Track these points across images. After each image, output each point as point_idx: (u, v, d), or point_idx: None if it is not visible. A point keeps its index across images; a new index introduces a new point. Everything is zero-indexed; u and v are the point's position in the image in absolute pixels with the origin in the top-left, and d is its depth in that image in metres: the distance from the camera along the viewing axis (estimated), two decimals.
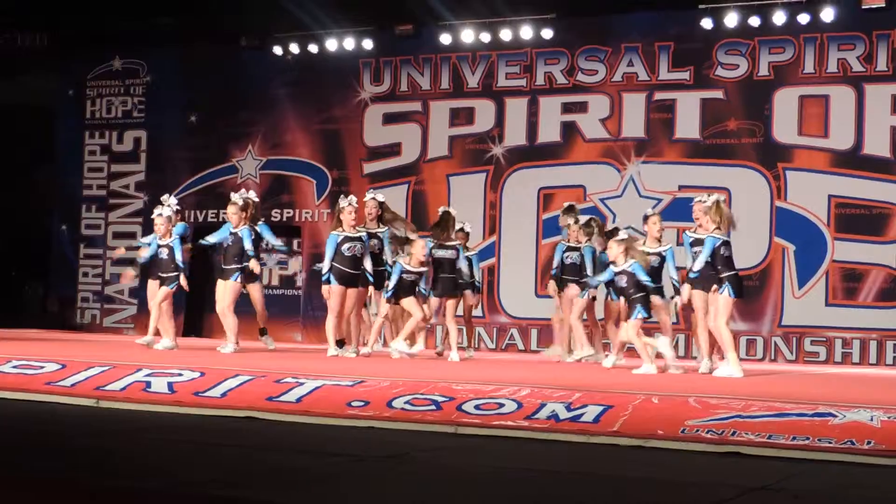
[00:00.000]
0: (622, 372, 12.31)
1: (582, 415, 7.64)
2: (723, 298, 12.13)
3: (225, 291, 14.05)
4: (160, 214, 14.35)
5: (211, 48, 20.48)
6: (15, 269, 21.78)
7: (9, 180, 21.71)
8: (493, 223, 18.13)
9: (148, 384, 8.85)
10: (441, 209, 14.64)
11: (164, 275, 14.33)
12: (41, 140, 21.57)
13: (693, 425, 7.29)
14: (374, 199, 14.03)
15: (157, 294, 14.32)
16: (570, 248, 14.39)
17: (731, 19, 17.35)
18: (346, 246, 13.55)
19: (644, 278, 12.29)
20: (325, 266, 13.62)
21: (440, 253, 13.96)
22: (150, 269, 14.83)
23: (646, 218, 13.59)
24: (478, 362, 13.63)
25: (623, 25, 18.32)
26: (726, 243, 12.43)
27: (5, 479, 5.31)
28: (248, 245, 13.82)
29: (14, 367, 9.56)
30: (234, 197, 14.24)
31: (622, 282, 12.42)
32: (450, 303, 14.01)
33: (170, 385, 8.79)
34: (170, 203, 14.45)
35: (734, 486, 5.93)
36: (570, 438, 7.39)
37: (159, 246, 14.36)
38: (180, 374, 9.02)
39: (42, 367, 9.47)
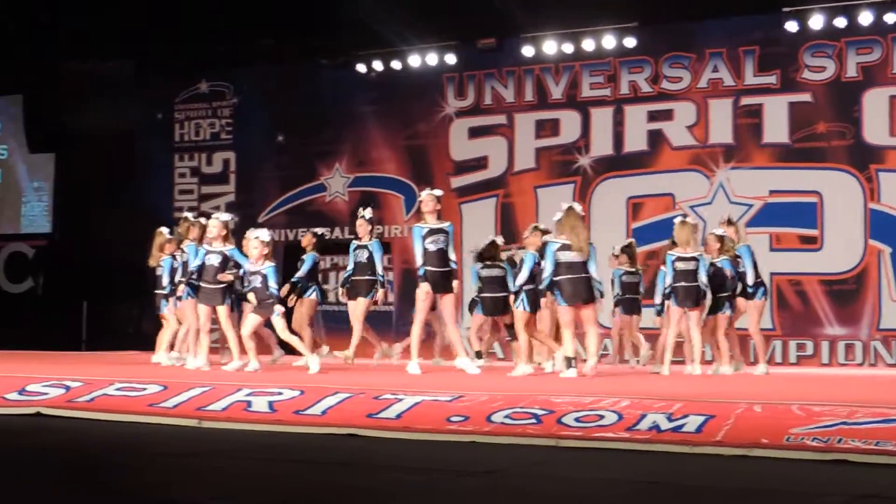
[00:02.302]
0: (723, 381, 12.21)
1: (683, 425, 7.57)
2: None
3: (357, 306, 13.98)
4: (216, 218, 13.65)
5: (295, 68, 20.69)
6: (113, 291, 22.07)
7: (102, 205, 22.04)
8: None
9: (249, 403, 8.91)
10: (629, 240, 15.19)
11: (209, 286, 13.40)
12: (132, 165, 21.88)
13: (798, 433, 7.20)
14: (431, 193, 13.59)
15: (221, 316, 13.48)
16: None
17: (817, 21, 17.18)
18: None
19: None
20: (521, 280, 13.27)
21: (626, 279, 15.07)
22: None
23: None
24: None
25: (707, 31, 18.22)
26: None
27: (109, 501, 5.37)
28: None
29: (117, 389, 9.69)
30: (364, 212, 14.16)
31: None
32: (634, 318, 15.20)
33: (270, 404, 8.85)
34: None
35: (842, 494, 5.85)
36: (671, 449, 7.32)
37: (208, 252, 13.45)
38: (280, 393, 9.08)
39: (144, 389, 9.59)
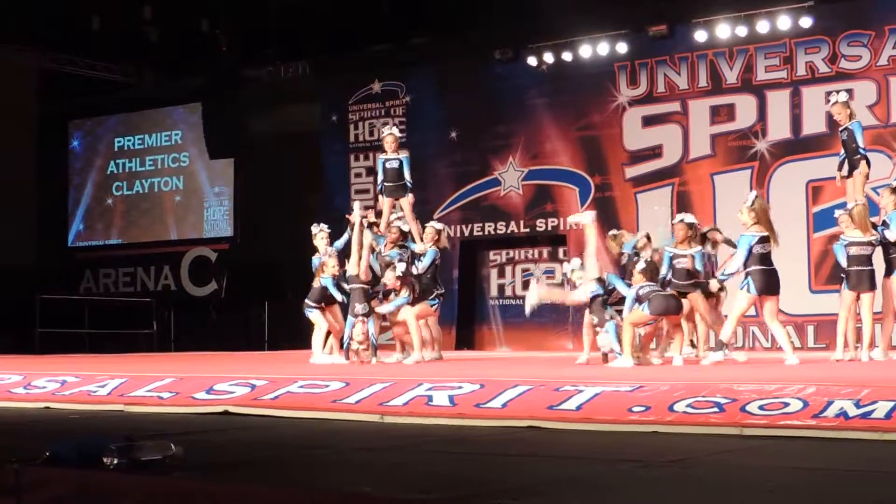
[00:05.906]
0: None
1: (872, 411, 7.36)
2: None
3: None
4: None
5: (466, 64, 20.82)
6: (290, 292, 22.51)
7: (281, 208, 22.49)
8: None
9: (430, 398, 8.96)
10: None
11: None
12: (309, 167, 22.26)
13: None
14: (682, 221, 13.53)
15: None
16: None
17: None
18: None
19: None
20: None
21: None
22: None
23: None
24: (756, 362, 13.36)
25: (886, 6, 17.74)
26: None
27: (296, 494, 5.45)
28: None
29: (301, 386, 9.85)
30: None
31: None
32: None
33: (451, 398, 8.88)
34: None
35: None
36: (861, 436, 7.13)
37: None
38: (460, 387, 9.11)
39: (327, 386, 9.72)
